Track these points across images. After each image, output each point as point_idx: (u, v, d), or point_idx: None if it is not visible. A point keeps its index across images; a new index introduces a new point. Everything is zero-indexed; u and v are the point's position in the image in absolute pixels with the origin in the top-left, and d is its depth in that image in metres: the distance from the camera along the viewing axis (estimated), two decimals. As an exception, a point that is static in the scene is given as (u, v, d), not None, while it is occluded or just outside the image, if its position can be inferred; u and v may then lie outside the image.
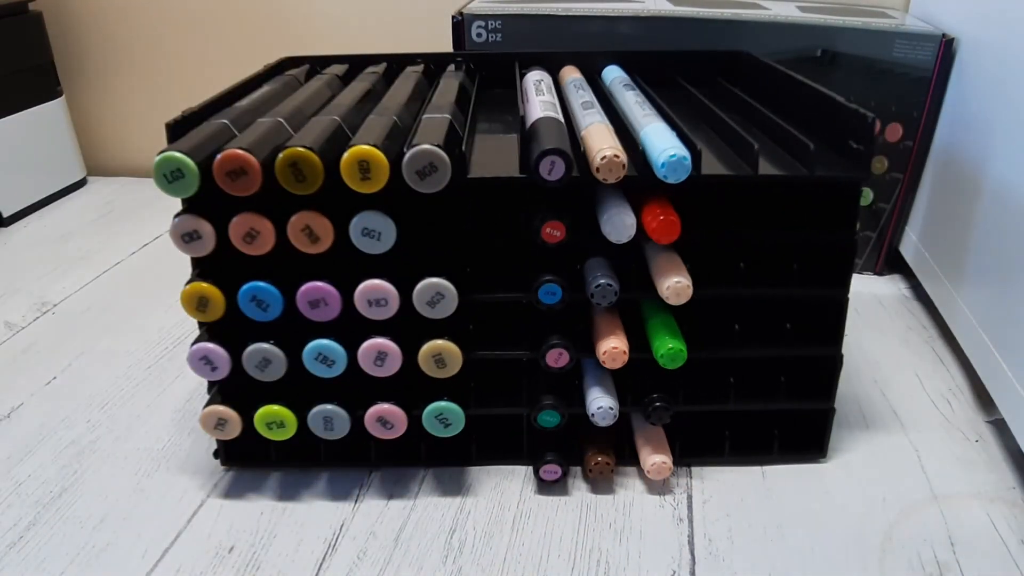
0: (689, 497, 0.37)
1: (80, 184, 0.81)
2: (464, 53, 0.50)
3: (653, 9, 0.56)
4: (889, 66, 0.54)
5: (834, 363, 0.37)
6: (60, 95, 0.77)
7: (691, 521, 0.35)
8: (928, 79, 0.54)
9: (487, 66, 0.50)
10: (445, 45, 0.56)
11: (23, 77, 0.72)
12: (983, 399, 0.44)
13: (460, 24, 0.55)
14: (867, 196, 0.58)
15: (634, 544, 0.34)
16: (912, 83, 0.54)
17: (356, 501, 0.37)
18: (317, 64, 0.48)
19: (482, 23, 0.55)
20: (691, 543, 0.34)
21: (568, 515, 0.36)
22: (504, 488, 0.37)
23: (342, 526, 0.35)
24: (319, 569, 0.33)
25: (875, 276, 0.61)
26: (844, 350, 0.36)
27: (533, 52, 0.50)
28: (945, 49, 0.53)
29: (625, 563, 0.33)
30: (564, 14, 0.55)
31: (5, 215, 0.70)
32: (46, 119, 0.75)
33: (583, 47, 0.56)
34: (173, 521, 0.35)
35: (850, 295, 0.35)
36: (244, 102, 0.37)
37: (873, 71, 0.54)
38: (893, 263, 0.60)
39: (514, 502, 0.37)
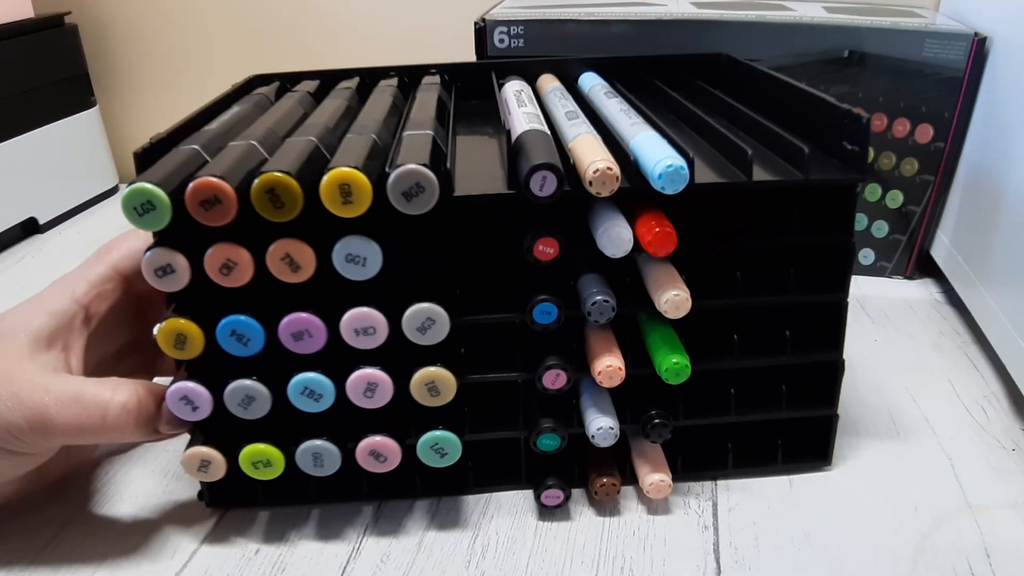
0: (714, 505, 0.36)
1: (113, 191, 0.83)
2: (438, 65, 0.48)
3: (676, 12, 0.56)
4: (919, 66, 0.53)
5: (836, 369, 0.36)
6: (94, 105, 0.79)
7: (716, 529, 0.35)
8: (960, 79, 0.53)
9: (463, 77, 0.48)
10: (467, 51, 0.56)
11: (59, 88, 0.74)
12: (1019, 406, 0.43)
13: (483, 30, 0.56)
14: (897, 198, 0.57)
15: (658, 551, 0.34)
16: (943, 83, 0.53)
17: (379, 504, 0.37)
18: (287, 81, 0.45)
19: (504, 28, 0.56)
20: (716, 551, 0.34)
21: (591, 521, 0.35)
22: (527, 493, 0.37)
23: (365, 529, 0.35)
24: (343, 572, 0.33)
25: (906, 280, 0.59)
26: (873, 356, 0.35)
27: (512, 61, 0.48)
28: (977, 48, 0.51)
29: (649, 570, 0.33)
30: (587, 19, 0.55)
31: (41, 222, 0.72)
32: (81, 129, 0.77)
33: (607, 52, 0.56)
34: (200, 523, 0.36)
35: (881, 299, 0.34)
36: (214, 125, 0.34)
37: (903, 72, 0.53)
38: (924, 267, 0.59)
39: (537, 507, 0.36)
